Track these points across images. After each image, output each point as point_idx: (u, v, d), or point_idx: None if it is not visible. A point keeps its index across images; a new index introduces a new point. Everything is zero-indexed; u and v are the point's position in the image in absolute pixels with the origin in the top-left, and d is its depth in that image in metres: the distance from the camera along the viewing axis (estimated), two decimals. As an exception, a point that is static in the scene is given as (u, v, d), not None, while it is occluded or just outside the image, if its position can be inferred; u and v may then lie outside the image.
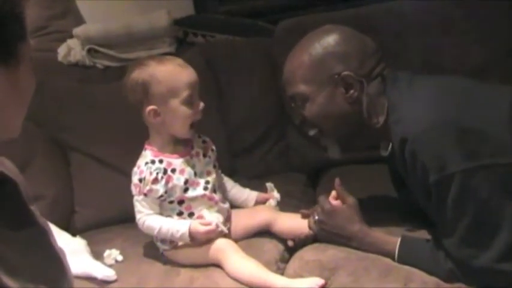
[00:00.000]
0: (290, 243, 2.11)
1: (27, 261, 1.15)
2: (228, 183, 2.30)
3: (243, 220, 2.18)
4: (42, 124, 2.59)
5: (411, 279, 1.78)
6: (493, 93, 1.84)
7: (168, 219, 2.06)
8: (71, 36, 2.82)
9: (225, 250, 1.99)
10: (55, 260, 1.25)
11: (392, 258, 1.87)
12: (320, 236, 2.02)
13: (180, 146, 2.11)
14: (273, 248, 2.11)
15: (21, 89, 1.09)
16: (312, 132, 1.97)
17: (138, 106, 2.06)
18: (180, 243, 2.05)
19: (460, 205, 1.68)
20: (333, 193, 2.03)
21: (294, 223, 2.12)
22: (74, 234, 2.30)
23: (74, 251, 2.10)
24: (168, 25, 2.82)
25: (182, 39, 2.95)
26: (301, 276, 1.90)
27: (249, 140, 2.79)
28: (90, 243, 2.23)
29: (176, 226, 2.01)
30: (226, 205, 2.18)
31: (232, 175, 2.44)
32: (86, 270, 2.03)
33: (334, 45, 1.87)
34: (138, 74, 2.04)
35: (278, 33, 2.80)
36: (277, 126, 2.76)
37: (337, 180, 2.03)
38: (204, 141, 2.20)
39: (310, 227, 2.04)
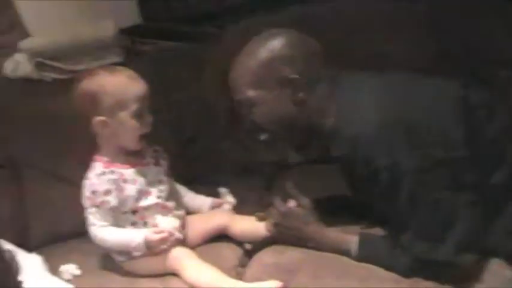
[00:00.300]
0: (248, 246, 2.13)
1: None
2: (181, 190, 2.30)
3: (198, 225, 2.18)
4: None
5: (370, 276, 1.81)
6: (438, 88, 1.87)
7: (122, 229, 2.04)
8: (18, 51, 2.80)
9: (182, 258, 1.99)
10: None
11: (350, 257, 1.89)
12: (277, 238, 2.03)
13: (131, 156, 2.10)
14: (231, 253, 2.12)
15: None
16: (262, 137, 1.96)
17: (86, 116, 2.03)
18: (135, 254, 2.03)
19: (413, 201, 1.71)
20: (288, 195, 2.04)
21: (250, 225, 2.13)
22: (29, 251, 2.27)
23: (30, 268, 2.08)
24: (115, 34, 2.81)
25: (130, 49, 2.93)
26: (260, 279, 1.90)
27: (203, 147, 2.78)
28: (47, 259, 2.20)
29: (130, 236, 2.00)
30: (181, 212, 2.17)
31: (189, 183, 2.43)
32: (44, 287, 2.00)
33: (280, 49, 1.87)
34: (87, 85, 2.02)
35: (225, 38, 2.82)
36: (230, 132, 2.73)
37: (288, 183, 2.04)
38: (155, 150, 2.19)
39: (267, 230, 2.04)
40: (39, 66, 2.78)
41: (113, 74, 2.06)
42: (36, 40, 2.85)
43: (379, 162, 1.71)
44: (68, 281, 2.09)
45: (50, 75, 2.79)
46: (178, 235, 2.02)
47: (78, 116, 2.06)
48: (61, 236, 2.45)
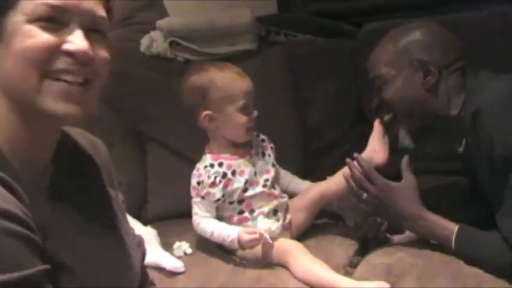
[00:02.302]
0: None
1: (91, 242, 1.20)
2: (287, 176, 2.34)
3: (298, 206, 2.21)
4: (121, 112, 2.65)
5: (481, 284, 1.77)
6: None
7: (221, 224, 2.10)
8: (154, 28, 2.86)
9: (292, 252, 2.01)
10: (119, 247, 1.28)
11: (449, 245, 1.85)
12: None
13: (240, 147, 2.17)
14: (342, 252, 2.11)
15: (14, 59, 1.08)
16: (386, 117, 2.05)
17: (194, 110, 2.13)
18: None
19: None
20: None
21: (339, 180, 2.14)
22: (145, 224, 2.33)
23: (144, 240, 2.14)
24: (251, 22, 2.85)
25: (264, 37, 2.96)
26: (368, 280, 1.90)
27: (326, 142, 2.79)
28: (161, 234, 2.26)
29: (227, 232, 2.05)
30: (285, 199, 2.21)
31: (307, 176, 2.46)
32: (155, 260, 2.05)
33: (420, 35, 1.96)
34: (198, 79, 2.12)
35: (361, 36, 2.82)
36: (355, 129, 2.74)
37: (405, 158, 2.01)
38: (263, 140, 2.25)
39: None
40: (174, 45, 2.83)
41: (222, 69, 2.14)
42: (174, 20, 2.91)
43: (496, 137, 1.70)
44: (179, 257, 2.13)
45: (183, 55, 2.83)
46: (268, 239, 2.02)
47: (186, 108, 2.15)
48: (177, 213, 2.50)
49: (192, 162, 2.27)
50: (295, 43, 2.95)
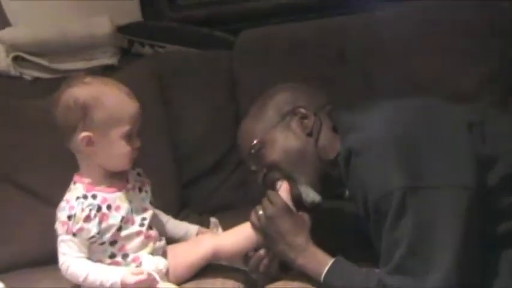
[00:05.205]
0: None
1: None
2: (161, 216, 2.18)
3: (183, 256, 2.05)
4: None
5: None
6: (454, 113, 1.86)
7: (98, 265, 1.90)
8: (-6, 41, 2.73)
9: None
10: None
11: (319, 277, 1.87)
12: (261, 231, 1.97)
13: (115, 179, 1.98)
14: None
15: None
16: (279, 184, 2.00)
17: (67, 130, 1.91)
18: None
19: (397, 226, 1.67)
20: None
21: (238, 239, 2.03)
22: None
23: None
24: (111, 33, 2.74)
25: (127, 50, 2.87)
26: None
27: (202, 169, 2.70)
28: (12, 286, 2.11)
29: (106, 275, 1.86)
30: (163, 242, 2.06)
31: (181, 209, 2.42)
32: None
33: (281, 93, 2.05)
34: (79, 93, 1.89)
35: (238, 44, 2.76)
36: (235, 153, 2.59)
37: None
38: (138, 174, 2.09)
39: (252, 222, 1.98)
40: (19, 61, 2.72)
41: (108, 86, 1.96)
42: (18, 31, 2.78)
43: (367, 179, 1.73)
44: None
45: (30, 73, 2.73)
46: (156, 278, 1.89)
47: (58, 128, 1.94)
48: (30, 260, 2.35)
49: (43, 199, 2.19)
50: (163, 55, 2.89)
